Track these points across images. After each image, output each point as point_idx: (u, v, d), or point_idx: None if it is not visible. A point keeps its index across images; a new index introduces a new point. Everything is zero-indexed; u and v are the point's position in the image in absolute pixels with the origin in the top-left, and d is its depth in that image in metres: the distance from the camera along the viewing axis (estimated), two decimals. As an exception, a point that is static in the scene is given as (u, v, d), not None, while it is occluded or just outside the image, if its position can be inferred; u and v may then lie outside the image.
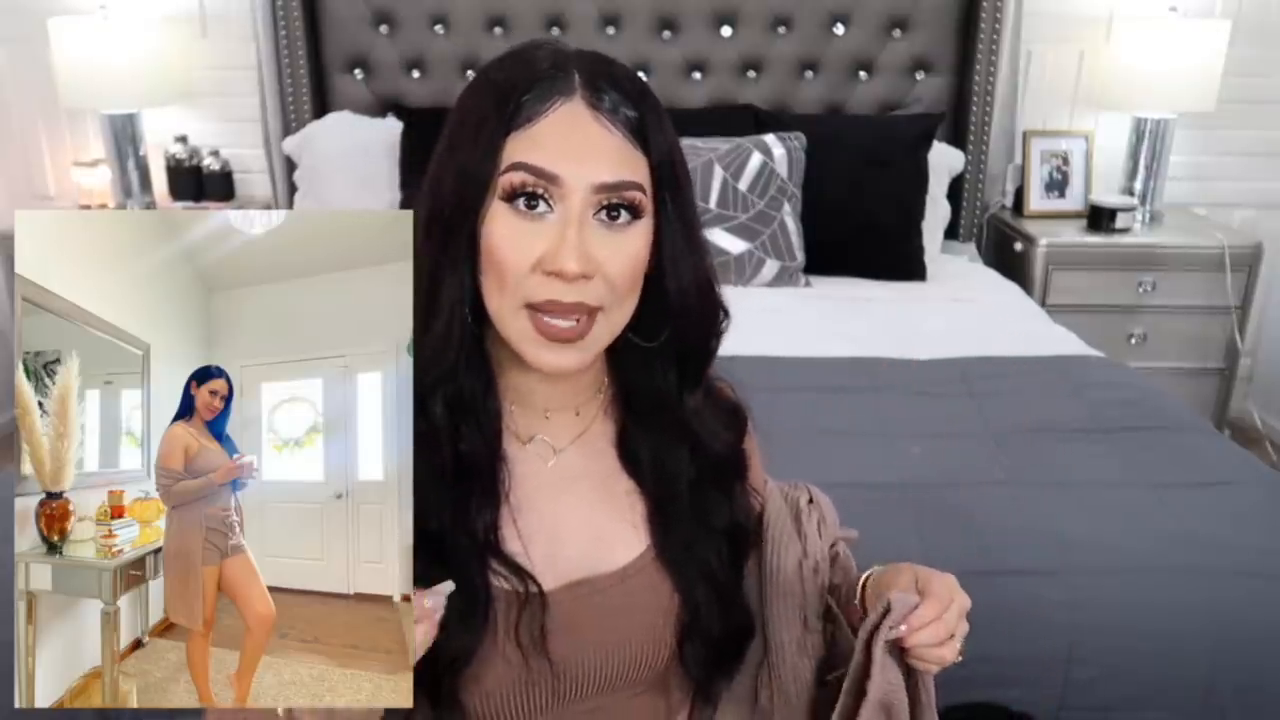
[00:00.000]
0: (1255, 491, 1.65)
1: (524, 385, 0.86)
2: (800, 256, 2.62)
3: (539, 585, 0.81)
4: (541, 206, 0.76)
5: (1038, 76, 3.09)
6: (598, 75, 0.78)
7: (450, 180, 0.77)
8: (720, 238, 2.57)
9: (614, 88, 0.78)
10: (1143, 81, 2.87)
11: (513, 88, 0.76)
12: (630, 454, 0.89)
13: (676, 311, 0.84)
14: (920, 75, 2.99)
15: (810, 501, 0.99)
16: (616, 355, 0.87)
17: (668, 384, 0.87)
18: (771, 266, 2.59)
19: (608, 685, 0.85)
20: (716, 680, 0.92)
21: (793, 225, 2.61)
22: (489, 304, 0.79)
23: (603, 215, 0.77)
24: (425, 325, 0.79)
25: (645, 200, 0.78)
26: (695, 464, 0.89)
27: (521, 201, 0.75)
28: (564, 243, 0.74)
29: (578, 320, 0.77)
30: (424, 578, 0.75)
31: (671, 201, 0.81)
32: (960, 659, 0.81)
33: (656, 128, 0.79)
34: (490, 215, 0.76)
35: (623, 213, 0.77)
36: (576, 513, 0.87)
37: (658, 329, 0.84)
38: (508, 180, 0.75)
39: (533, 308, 0.76)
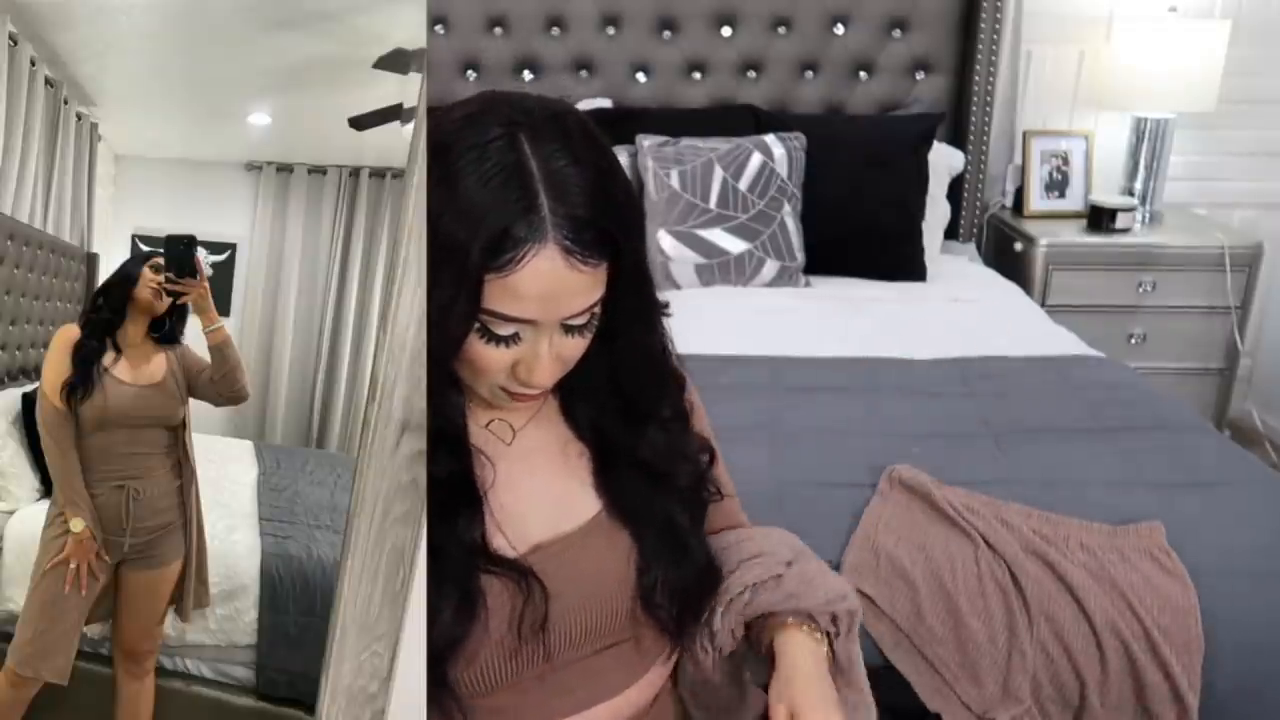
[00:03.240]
0: (1255, 491, 1.65)
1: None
2: (800, 256, 2.63)
3: (540, 583, 0.85)
4: (514, 339, 0.79)
5: (1038, 76, 3.09)
6: (563, 197, 0.74)
7: (434, 295, 0.77)
8: (720, 238, 2.57)
9: (581, 205, 0.75)
10: (1143, 81, 2.87)
11: (483, 223, 0.73)
12: (574, 419, 0.94)
13: (617, 376, 0.89)
14: (920, 75, 2.99)
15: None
16: None
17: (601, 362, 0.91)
18: (771, 266, 2.59)
19: (586, 641, 0.90)
20: (685, 621, 0.95)
21: (793, 225, 2.61)
22: (465, 379, 0.84)
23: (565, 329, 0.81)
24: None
25: (600, 304, 0.81)
26: (637, 420, 0.93)
27: (498, 344, 0.79)
28: (538, 362, 0.80)
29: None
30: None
31: (629, 292, 0.83)
32: None
33: (624, 228, 0.78)
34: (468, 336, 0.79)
35: (583, 328, 0.82)
36: (538, 483, 0.91)
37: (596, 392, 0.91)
38: (487, 321, 0.77)
39: (505, 390, 0.83)
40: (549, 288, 0.75)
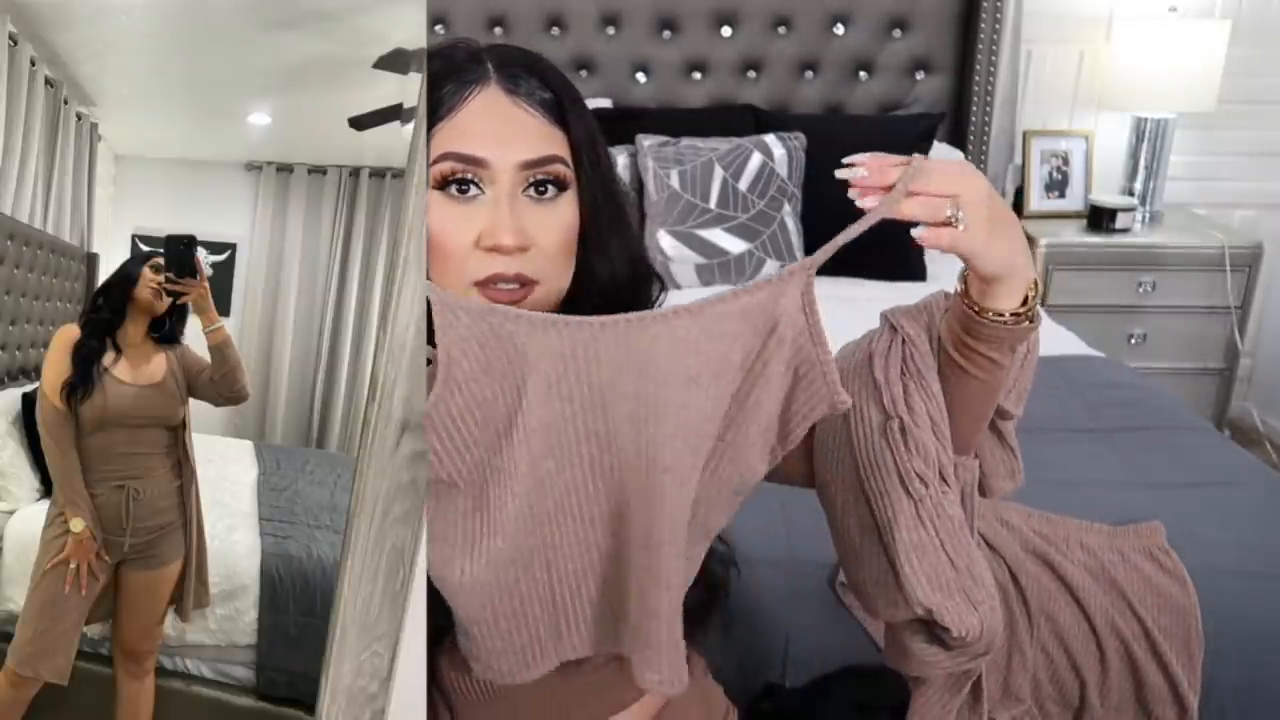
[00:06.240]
0: (1255, 491, 1.65)
1: None
2: (800, 257, 2.62)
3: None
4: (473, 190, 0.80)
5: (1038, 76, 3.09)
6: (510, 63, 0.82)
7: None
8: (720, 238, 2.57)
9: (528, 72, 0.82)
10: (1143, 81, 2.88)
11: (431, 83, 0.80)
12: None
13: (605, 284, 0.87)
14: (920, 75, 2.99)
15: (892, 331, 0.94)
16: None
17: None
18: (771, 267, 2.59)
19: None
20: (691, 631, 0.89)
21: (793, 225, 2.62)
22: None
23: (531, 192, 0.81)
24: None
25: (569, 172, 0.83)
26: None
27: (454, 188, 0.80)
28: (498, 219, 0.79)
29: (521, 286, 0.81)
30: None
31: (593, 176, 0.85)
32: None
33: (574, 108, 0.84)
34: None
35: (549, 187, 0.82)
36: None
37: (587, 304, 0.86)
38: (438, 170, 0.80)
39: (479, 285, 0.80)
40: (496, 124, 0.80)
